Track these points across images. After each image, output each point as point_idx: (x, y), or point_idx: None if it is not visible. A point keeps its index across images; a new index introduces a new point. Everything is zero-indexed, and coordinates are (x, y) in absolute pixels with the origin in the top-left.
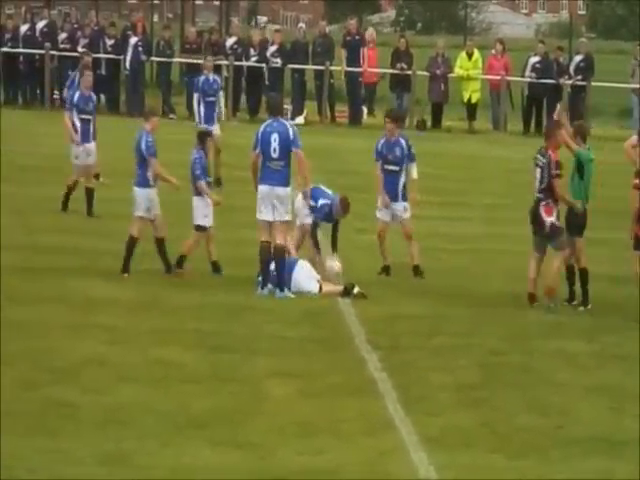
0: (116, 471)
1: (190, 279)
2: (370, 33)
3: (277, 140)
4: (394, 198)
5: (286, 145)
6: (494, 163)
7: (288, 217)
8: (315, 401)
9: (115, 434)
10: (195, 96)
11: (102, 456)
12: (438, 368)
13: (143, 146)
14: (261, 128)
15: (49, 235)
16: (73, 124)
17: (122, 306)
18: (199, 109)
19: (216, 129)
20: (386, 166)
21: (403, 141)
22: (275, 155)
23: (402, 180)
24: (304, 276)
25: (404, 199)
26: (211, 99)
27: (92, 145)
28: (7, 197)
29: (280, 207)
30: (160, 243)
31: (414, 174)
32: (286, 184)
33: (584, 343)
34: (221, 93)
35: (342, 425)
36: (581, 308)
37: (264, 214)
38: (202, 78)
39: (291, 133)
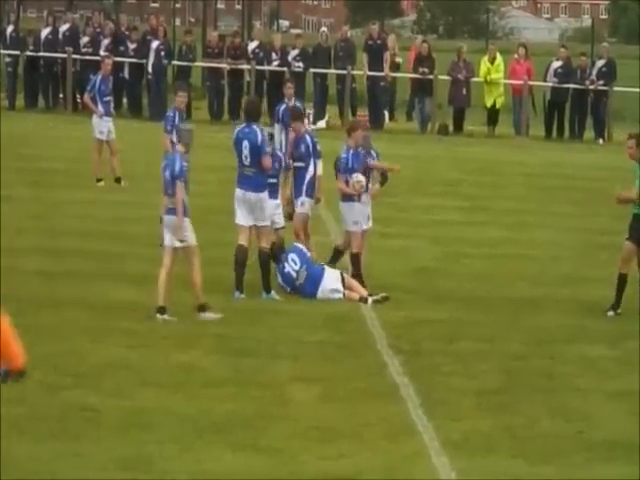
0: (137, 476)
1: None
2: (420, 41)
3: (248, 147)
4: (297, 194)
5: (256, 152)
6: (516, 168)
7: (266, 222)
8: (337, 406)
9: (136, 438)
10: (276, 127)
11: (123, 461)
12: (460, 373)
13: (337, 163)
14: (234, 133)
15: (71, 239)
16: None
17: (144, 310)
18: (281, 139)
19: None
20: (293, 163)
21: (308, 138)
22: (247, 162)
23: (307, 177)
24: (330, 288)
25: (306, 194)
26: None
27: None
28: (29, 201)
29: (256, 212)
30: (355, 257)
31: (319, 170)
32: (258, 190)
33: (606, 348)
34: (305, 122)
35: (364, 430)
36: (610, 312)
37: (239, 218)
38: (282, 107)
39: (259, 140)
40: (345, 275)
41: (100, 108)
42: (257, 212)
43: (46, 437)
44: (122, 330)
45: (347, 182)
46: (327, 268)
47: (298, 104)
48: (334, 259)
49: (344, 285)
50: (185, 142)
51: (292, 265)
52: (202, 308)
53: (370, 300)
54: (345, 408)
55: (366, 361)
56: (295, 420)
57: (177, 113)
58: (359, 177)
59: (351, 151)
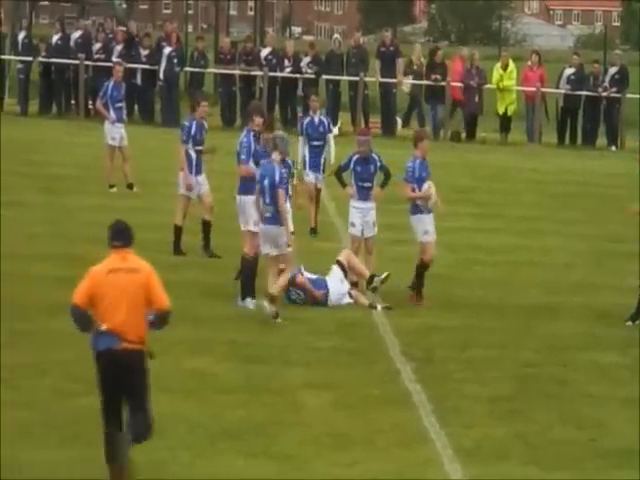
0: None
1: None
2: (465, 51)
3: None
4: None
5: (239, 156)
6: (528, 175)
7: (248, 227)
8: (349, 412)
9: (148, 444)
10: (300, 140)
11: (136, 466)
12: (472, 380)
13: (405, 173)
14: None
15: (83, 245)
16: (188, 155)
17: None
18: (304, 152)
19: (319, 178)
20: None
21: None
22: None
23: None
24: (338, 294)
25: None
26: (316, 143)
27: (203, 176)
28: (41, 207)
29: (240, 215)
30: (423, 267)
31: (294, 181)
32: (239, 192)
33: (618, 355)
34: (330, 136)
35: (376, 437)
36: (629, 323)
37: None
38: (307, 120)
39: (240, 144)
40: (341, 259)
41: (112, 114)
42: (240, 215)
43: (58, 443)
44: None
45: (414, 190)
46: (328, 278)
47: (323, 118)
48: (422, 271)
49: (345, 274)
50: (281, 150)
51: (297, 295)
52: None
53: (380, 307)
54: (357, 415)
55: (378, 368)
56: (307, 427)
57: (195, 123)
58: (431, 184)
59: (417, 160)
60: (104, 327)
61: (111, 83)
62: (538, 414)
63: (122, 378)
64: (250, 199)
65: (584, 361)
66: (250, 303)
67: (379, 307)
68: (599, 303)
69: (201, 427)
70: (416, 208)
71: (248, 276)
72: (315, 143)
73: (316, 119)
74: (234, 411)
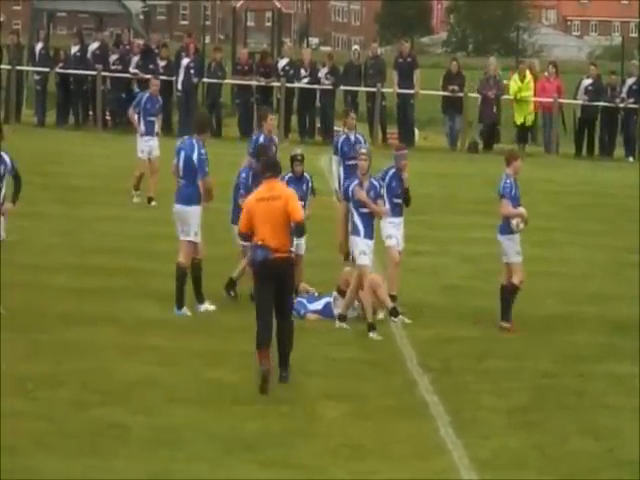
0: None
1: None
2: (534, 63)
3: (183, 158)
4: None
5: (188, 165)
6: (546, 186)
7: (189, 237)
8: (367, 423)
9: (165, 455)
10: (334, 159)
11: (152, 477)
12: (489, 391)
13: (501, 189)
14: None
15: (100, 256)
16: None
17: (172, 327)
18: (339, 172)
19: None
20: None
21: None
22: (180, 173)
23: None
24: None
25: None
26: (352, 162)
27: None
28: (58, 217)
29: (184, 225)
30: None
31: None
32: (184, 202)
33: (635, 366)
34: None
35: (393, 447)
36: None
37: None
38: (342, 138)
39: (195, 154)
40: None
41: (142, 127)
42: (184, 225)
43: (75, 454)
44: (151, 347)
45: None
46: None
47: (359, 135)
48: (512, 295)
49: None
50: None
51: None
52: (371, 327)
53: (400, 318)
54: (375, 425)
55: (396, 379)
56: (325, 437)
57: (263, 137)
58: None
59: (510, 179)
60: (259, 242)
61: (146, 95)
62: (555, 425)
63: (274, 280)
64: (193, 209)
65: (601, 372)
66: (186, 311)
67: (397, 319)
68: (616, 313)
69: (218, 438)
70: (508, 228)
71: (183, 284)
72: (351, 162)
73: (352, 137)
74: (252, 422)
